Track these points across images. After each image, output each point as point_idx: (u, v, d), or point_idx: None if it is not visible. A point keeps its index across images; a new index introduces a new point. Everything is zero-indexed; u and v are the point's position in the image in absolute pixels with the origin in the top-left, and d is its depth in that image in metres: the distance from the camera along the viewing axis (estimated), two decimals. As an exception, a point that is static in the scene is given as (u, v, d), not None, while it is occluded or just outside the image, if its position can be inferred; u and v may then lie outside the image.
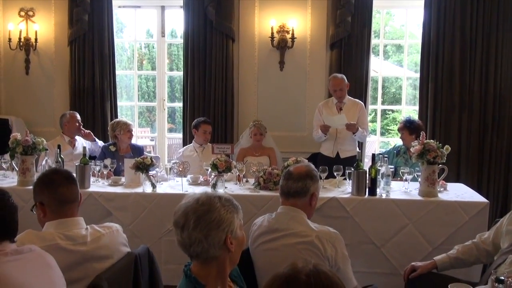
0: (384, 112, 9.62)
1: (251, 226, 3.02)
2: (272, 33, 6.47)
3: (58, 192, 2.52)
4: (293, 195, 2.87)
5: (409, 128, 5.49)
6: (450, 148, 4.43)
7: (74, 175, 2.73)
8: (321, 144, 5.80)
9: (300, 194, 2.87)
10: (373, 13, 6.60)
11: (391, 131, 10.34)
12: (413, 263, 3.35)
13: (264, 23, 6.55)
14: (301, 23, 6.52)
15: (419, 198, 4.40)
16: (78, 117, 5.81)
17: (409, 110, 7.23)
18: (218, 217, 2.02)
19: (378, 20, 7.65)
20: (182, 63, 6.72)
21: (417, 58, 6.69)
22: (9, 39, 6.65)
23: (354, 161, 4.56)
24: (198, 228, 1.99)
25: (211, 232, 1.99)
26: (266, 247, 2.83)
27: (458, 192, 4.70)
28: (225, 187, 4.53)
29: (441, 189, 4.61)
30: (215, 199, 2.07)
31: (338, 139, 5.59)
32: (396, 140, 6.99)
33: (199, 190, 4.51)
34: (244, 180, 4.84)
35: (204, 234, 1.99)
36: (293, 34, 6.46)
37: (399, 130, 5.66)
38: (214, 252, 1.99)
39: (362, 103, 5.91)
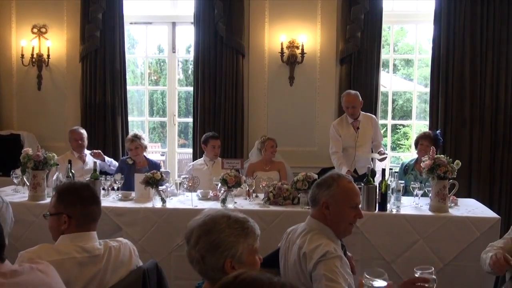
0: (394, 127, 9.59)
1: (283, 234, 2.91)
2: (282, 49, 6.50)
3: (90, 210, 2.53)
4: (311, 205, 2.76)
5: (432, 139, 5.36)
6: (460, 163, 4.40)
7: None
8: (337, 160, 5.59)
9: (312, 203, 2.73)
10: (384, 28, 6.62)
11: (402, 146, 10.30)
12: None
13: (274, 38, 6.58)
14: (310, 39, 6.54)
15: (429, 213, 4.38)
16: (80, 134, 5.80)
17: (420, 124, 7.21)
18: (218, 239, 1.95)
19: (388, 34, 7.67)
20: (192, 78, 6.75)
21: (426, 72, 6.68)
22: (22, 55, 6.73)
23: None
24: (197, 247, 1.96)
25: (207, 254, 1.94)
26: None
27: (469, 207, 4.66)
28: (235, 202, 4.53)
29: (452, 205, 4.58)
30: (222, 219, 2.00)
31: (356, 157, 5.54)
32: (407, 155, 6.95)
33: (208, 205, 4.54)
34: (254, 195, 4.83)
35: (200, 255, 1.95)
36: (302, 49, 6.48)
37: (419, 139, 5.45)
38: (213, 275, 1.93)
39: (375, 117, 5.93)
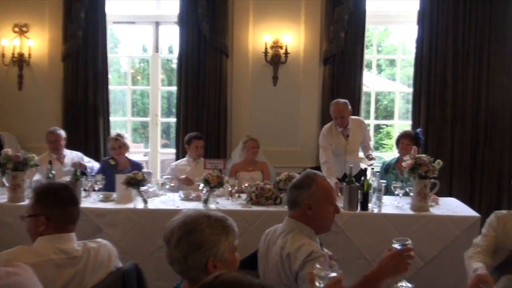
0: (378, 126, 9.64)
1: (262, 235, 2.90)
2: (266, 49, 6.50)
3: (69, 211, 2.51)
4: (289, 207, 2.76)
5: (412, 137, 5.43)
6: (441, 163, 4.45)
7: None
8: (327, 170, 5.41)
9: (292, 205, 2.72)
10: (368, 28, 6.65)
11: (385, 146, 10.35)
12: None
13: (258, 38, 6.58)
14: (294, 39, 6.55)
15: (410, 212, 4.43)
16: (54, 135, 5.67)
17: (403, 124, 7.26)
18: (200, 239, 1.96)
19: (372, 35, 7.71)
20: (175, 78, 6.74)
21: (410, 71, 6.73)
22: (3, 55, 6.67)
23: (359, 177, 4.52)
24: (178, 248, 1.96)
25: (190, 254, 1.95)
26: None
27: (450, 206, 4.74)
28: (217, 203, 4.52)
29: (433, 204, 4.64)
30: (203, 219, 2.01)
31: (346, 163, 5.37)
32: (390, 155, 6.99)
33: (191, 205, 4.52)
34: (236, 195, 4.82)
35: (183, 255, 1.95)
36: (286, 49, 6.49)
37: (400, 138, 5.54)
38: (195, 274, 1.93)
39: (362, 119, 5.93)
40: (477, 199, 6.33)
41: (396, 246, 2.23)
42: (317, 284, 1.91)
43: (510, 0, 6.41)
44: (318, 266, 2.00)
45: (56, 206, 2.48)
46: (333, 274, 1.92)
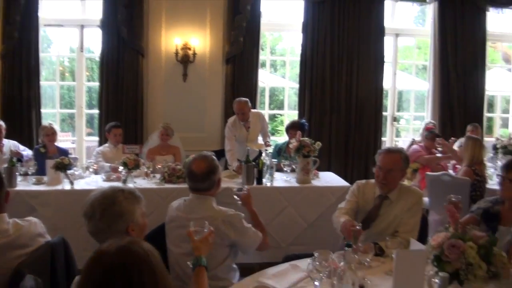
0: (273, 116, 9.84)
1: (168, 207, 2.95)
2: (177, 50, 6.45)
3: None
4: (203, 191, 2.80)
5: (298, 127, 5.43)
6: (321, 144, 4.63)
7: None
8: (231, 157, 5.44)
9: (208, 189, 2.81)
10: (265, 34, 6.74)
11: (279, 131, 10.60)
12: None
13: (170, 41, 6.50)
14: (201, 42, 6.54)
15: (296, 185, 4.58)
16: None
17: (291, 114, 7.48)
18: (120, 209, 2.02)
19: (267, 39, 7.84)
20: (97, 75, 6.55)
21: (298, 71, 6.92)
22: None
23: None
24: (103, 219, 1.99)
25: (114, 223, 1.99)
26: (178, 232, 2.75)
27: (328, 179, 4.94)
28: (135, 182, 4.47)
29: (314, 177, 4.81)
30: (119, 193, 2.06)
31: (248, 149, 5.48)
32: (282, 139, 7.16)
33: (120, 185, 4.43)
34: (152, 175, 4.78)
35: (108, 225, 1.99)
36: (194, 50, 6.47)
37: (289, 128, 5.60)
38: None
39: (261, 112, 6.01)
40: (349, 173, 6.64)
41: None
42: (195, 237, 2.24)
43: (374, 11, 6.75)
44: (192, 223, 2.30)
45: None
46: (205, 230, 2.26)
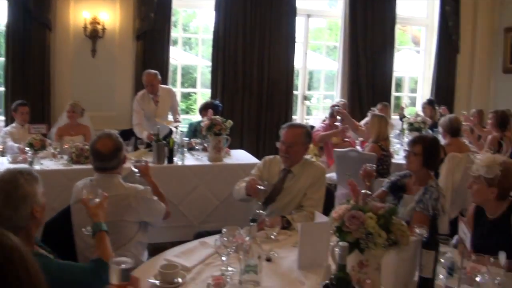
0: (188, 94, 9.70)
1: (73, 187, 2.84)
2: (85, 24, 6.15)
3: None
4: (111, 170, 2.74)
5: (212, 108, 5.45)
6: (232, 122, 4.66)
7: None
8: (139, 129, 5.37)
9: (116, 167, 2.76)
10: (179, 11, 6.57)
11: (193, 110, 10.51)
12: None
13: (78, 14, 6.17)
14: (111, 16, 6.28)
15: (208, 163, 4.58)
16: None
17: (204, 92, 7.42)
18: (23, 192, 1.95)
19: (180, 16, 7.65)
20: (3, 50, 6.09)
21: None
22: None
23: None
24: (9, 204, 1.92)
25: (20, 207, 1.93)
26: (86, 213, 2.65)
27: (240, 156, 4.98)
28: (41, 163, 4.24)
29: (226, 155, 4.84)
30: (18, 175, 1.99)
31: (157, 125, 5.14)
32: (196, 117, 7.08)
33: (17, 167, 4.15)
34: (60, 156, 4.54)
35: (13, 209, 1.92)
36: (104, 25, 6.20)
37: (201, 110, 5.57)
38: (24, 223, 1.94)
39: (172, 89, 5.90)
40: (261, 150, 6.69)
41: None
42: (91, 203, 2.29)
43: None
44: (85, 192, 2.35)
45: None
46: (96, 200, 2.29)
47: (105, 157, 2.71)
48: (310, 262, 2.30)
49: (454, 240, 2.21)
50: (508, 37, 7.92)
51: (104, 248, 2.18)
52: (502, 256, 1.98)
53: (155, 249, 2.87)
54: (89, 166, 4.17)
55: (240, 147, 6.17)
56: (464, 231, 1.97)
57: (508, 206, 2.58)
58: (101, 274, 1.99)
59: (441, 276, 2.19)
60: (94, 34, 6.21)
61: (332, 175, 5.22)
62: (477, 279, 1.99)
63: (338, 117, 5.77)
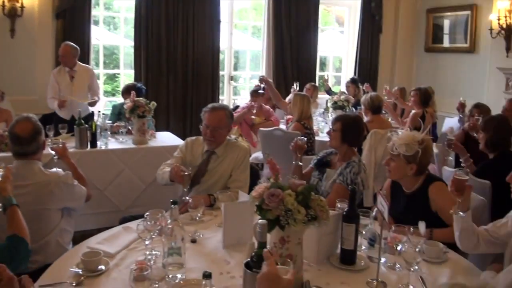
0: (114, 75, 9.38)
1: None
2: (3, 2, 5.79)
3: None
4: (31, 155, 2.65)
5: (135, 91, 5.32)
6: (156, 104, 4.59)
7: None
8: (51, 102, 5.19)
9: (35, 152, 2.68)
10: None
11: (120, 92, 10.22)
12: None
13: (-5, -9, 5.79)
14: (29, -7, 5.94)
15: (133, 146, 4.49)
16: None
17: (128, 73, 7.22)
18: None
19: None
20: None
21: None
22: None
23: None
24: None
25: None
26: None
27: (165, 139, 4.91)
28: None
29: (151, 138, 4.76)
30: None
31: (73, 102, 5.09)
32: (120, 99, 6.90)
33: None
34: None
35: None
36: (22, 3, 5.86)
37: (123, 93, 5.38)
38: None
39: (92, 69, 5.67)
40: (188, 132, 6.65)
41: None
42: None
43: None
44: None
45: None
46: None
47: (24, 140, 2.62)
48: (235, 241, 2.35)
49: (374, 212, 2.32)
50: (430, 17, 8.28)
51: (18, 223, 2.11)
52: (422, 225, 2.10)
53: (82, 237, 2.79)
54: (9, 154, 4.00)
55: (167, 129, 6.13)
56: (382, 203, 2.08)
57: (424, 179, 2.74)
58: (19, 250, 1.93)
59: (363, 247, 2.32)
60: (12, 12, 5.85)
61: (258, 155, 5.29)
62: (398, 248, 2.11)
63: (262, 85, 5.80)
